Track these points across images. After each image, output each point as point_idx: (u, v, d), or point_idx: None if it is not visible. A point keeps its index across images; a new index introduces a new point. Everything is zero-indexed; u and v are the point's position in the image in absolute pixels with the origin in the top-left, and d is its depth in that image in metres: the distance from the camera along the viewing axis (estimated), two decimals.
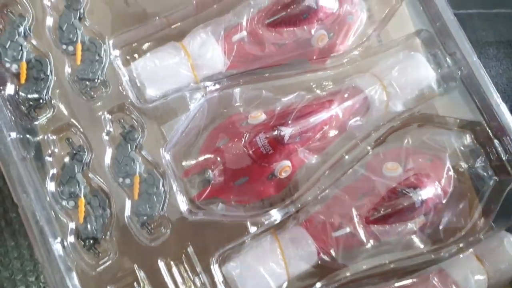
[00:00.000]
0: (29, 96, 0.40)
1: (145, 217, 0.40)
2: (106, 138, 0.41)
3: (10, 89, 0.40)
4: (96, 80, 0.41)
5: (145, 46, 0.44)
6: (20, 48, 0.40)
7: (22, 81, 0.40)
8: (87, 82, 0.41)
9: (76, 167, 0.40)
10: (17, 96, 0.40)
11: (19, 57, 0.40)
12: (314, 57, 0.50)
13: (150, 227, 0.41)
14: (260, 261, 0.42)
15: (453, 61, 0.49)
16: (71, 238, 0.39)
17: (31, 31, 0.41)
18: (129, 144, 0.41)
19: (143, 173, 0.41)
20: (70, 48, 0.42)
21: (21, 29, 0.41)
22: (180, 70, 0.45)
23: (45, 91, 0.40)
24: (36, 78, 0.40)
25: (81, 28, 0.42)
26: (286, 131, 0.44)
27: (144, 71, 0.44)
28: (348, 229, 0.43)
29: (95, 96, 0.42)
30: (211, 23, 0.47)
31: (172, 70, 0.45)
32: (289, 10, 0.47)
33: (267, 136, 0.43)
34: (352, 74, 0.50)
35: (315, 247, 0.43)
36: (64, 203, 0.40)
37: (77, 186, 0.39)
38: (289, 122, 0.44)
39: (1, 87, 0.39)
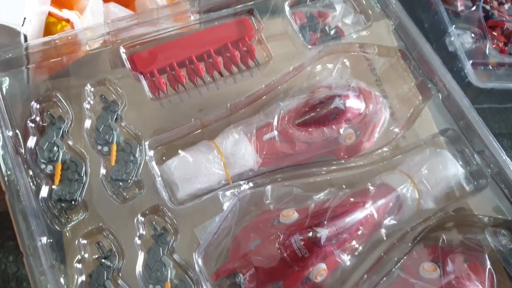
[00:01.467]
0: (62, 198, 0.39)
1: None
2: (139, 242, 0.40)
3: (44, 191, 0.39)
4: (129, 181, 0.41)
5: (179, 146, 0.44)
6: (56, 149, 0.40)
7: (56, 182, 0.40)
8: (121, 183, 0.41)
9: (105, 273, 0.38)
10: (49, 198, 0.39)
11: (55, 158, 0.40)
12: (342, 154, 0.50)
13: None
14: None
15: (482, 159, 0.49)
16: None
17: (69, 132, 0.42)
18: (161, 248, 0.39)
19: (174, 279, 0.39)
20: (106, 148, 0.42)
21: (60, 131, 0.41)
22: (212, 169, 0.45)
23: (78, 192, 0.40)
24: (70, 179, 0.40)
25: (117, 129, 0.43)
26: (323, 233, 0.42)
27: (177, 171, 0.44)
28: None
29: (128, 197, 0.41)
30: (242, 123, 0.48)
31: (204, 169, 0.45)
32: (318, 111, 0.48)
33: (303, 238, 0.42)
34: (381, 171, 0.50)
35: None
36: None
37: None
38: (325, 222, 0.43)
39: (35, 189, 0.38)
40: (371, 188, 0.48)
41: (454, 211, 0.48)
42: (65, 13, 0.49)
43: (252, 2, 0.51)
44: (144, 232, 0.40)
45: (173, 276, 0.39)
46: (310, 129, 0.48)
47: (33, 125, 0.41)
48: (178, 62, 0.48)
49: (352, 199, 0.46)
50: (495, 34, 0.76)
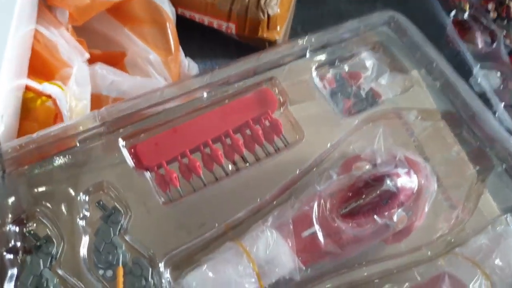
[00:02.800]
0: None
1: None
2: None
3: None
4: None
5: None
6: (45, 283, 0.31)
7: None
8: None
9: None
10: None
11: None
12: (390, 239, 0.42)
13: None
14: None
15: None
16: None
17: (61, 257, 0.33)
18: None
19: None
20: (109, 273, 0.33)
21: (48, 257, 0.32)
22: (244, 283, 0.36)
23: None
24: None
25: (122, 246, 0.34)
26: None
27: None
28: None
29: None
30: (272, 215, 0.39)
31: (234, 285, 0.36)
32: (365, 197, 0.40)
33: None
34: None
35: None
36: None
37: None
38: None
39: None
40: (435, 285, 0.39)
41: None
42: (45, 87, 0.42)
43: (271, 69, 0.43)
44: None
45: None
46: (358, 219, 0.39)
47: (11, 256, 0.32)
48: (191, 149, 0.40)
49: None
50: None
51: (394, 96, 0.46)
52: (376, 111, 0.44)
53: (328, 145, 0.41)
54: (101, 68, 0.48)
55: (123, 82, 0.48)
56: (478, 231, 0.42)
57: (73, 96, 0.45)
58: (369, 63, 0.47)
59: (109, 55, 0.51)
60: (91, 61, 0.48)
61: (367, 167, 0.42)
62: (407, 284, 0.39)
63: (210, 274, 0.36)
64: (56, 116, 0.44)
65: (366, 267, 0.39)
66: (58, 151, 0.36)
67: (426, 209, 0.43)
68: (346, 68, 0.47)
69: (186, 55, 0.54)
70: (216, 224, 0.36)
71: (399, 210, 0.40)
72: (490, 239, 0.42)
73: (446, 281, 0.39)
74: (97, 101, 0.48)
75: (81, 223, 0.34)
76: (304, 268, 0.37)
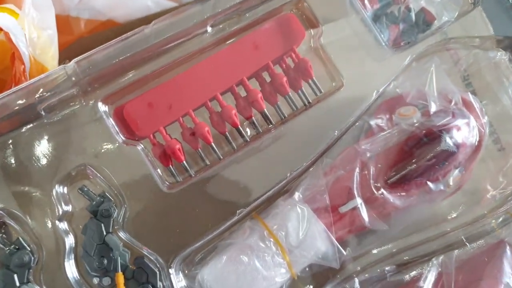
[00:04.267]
0: None
1: None
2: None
3: None
4: None
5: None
6: None
7: None
8: None
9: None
10: None
11: None
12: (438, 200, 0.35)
13: None
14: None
15: None
16: None
17: (42, 271, 0.25)
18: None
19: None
20: (106, 281, 0.26)
21: (25, 273, 0.25)
22: (272, 275, 0.29)
23: None
24: None
25: (119, 245, 0.26)
26: None
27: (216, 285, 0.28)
28: None
29: None
30: (300, 185, 0.32)
31: (261, 279, 0.29)
32: (418, 160, 0.32)
33: None
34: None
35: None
36: None
37: None
38: None
39: None
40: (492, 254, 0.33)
41: None
42: None
43: None
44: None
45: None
46: (409, 188, 0.32)
47: None
48: (196, 108, 0.30)
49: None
50: None
51: (451, 18, 0.35)
52: (435, 42, 0.33)
53: (374, 93, 0.32)
54: None
55: None
56: None
57: (32, 24, 0.34)
58: None
59: None
60: None
61: (416, 114, 0.34)
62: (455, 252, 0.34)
63: (231, 266, 0.29)
64: (13, 55, 0.34)
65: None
66: (13, 125, 0.26)
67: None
68: None
69: None
70: (237, 211, 0.28)
71: (455, 170, 0.34)
72: None
73: (508, 252, 0.33)
74: (65, 26, 0.38)
75: (61, 223, 0.26)
76: (345, 253, 0.31)
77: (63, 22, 0.39)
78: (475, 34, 0.36)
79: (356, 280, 0.31)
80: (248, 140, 0.30)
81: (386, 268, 0.33)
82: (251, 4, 0.30)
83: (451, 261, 0.33)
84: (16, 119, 0.26)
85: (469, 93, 0.35)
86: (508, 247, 0.33)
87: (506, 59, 0.36)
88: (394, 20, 0.34)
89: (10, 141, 0.26)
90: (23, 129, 0.26)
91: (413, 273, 0.33)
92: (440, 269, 0.33)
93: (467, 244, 0.33)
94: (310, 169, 0.31)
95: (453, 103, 0.34)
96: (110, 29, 0.39)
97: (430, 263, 0.33)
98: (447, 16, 0.35)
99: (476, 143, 0.33)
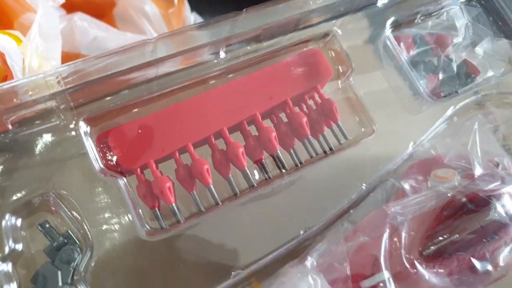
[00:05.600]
0: None
1: None
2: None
3: None
4: None
5: None
6: None
7: None
8: None
9: None
10: None
11: None
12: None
13: None
14: None
15: None
16: None
17: None
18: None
19: None
20: None
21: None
22: None
23: None
24: None
25: None
26: None
27: None
28: None
29: None
30: (314, 249, 0.25)
31: None
32: (461, 230, 0.26)
33: None
34: None
35: None
36: None
37: None
38: None
39: None
40: None
41: None
42: None
43: (322, 18, 0.28)
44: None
45: None
46: (448, 264, 0.25)
47: None
48: (195, 143, 0.25)
49: None
50: None
51: (497, 73, 0.31)
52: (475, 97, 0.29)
53: (411, 145, 0.27)
54: (81, 19, 0.36)
55: (109, 39, 0.37)
56: None
57: (35, 52, 0.31)
58: (461, 22, 0.32)
59: (94, 3, 0.39)
60: (69, 9, 0.36)
61: (456, 177, 0.28)
62: None
63: None
64: (5, 78, 0.31)
65: None
66: None
67: None
68: (428, 27, 0.32)
69: (192, 9, 0.42)
70: (232, 272, 0.22)
71: (506, 248, 0.27)
72: None
73: None
74: None
75: (4, 263, 0.20)
76: None
77: (72, 59, 0.38)
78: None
79: None
80: (255, 185, 0.24)
81: None
82: (275, 32, 0.27)
83: None
84: None
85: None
86: None
87: None
88: (433, 69, 0.30)
89: None
90: None
91: None
92: None
93: None
94: (328, 231, 0.26)
95: (500, 167, 0.29)
96: None
97: None
98: (492, 71, 0.31)
99: None
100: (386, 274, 0.25)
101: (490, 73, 0.31)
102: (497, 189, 0.27)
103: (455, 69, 0.30)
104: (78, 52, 0.37)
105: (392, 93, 0.28)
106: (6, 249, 0.20)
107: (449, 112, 0.28)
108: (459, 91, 0.29)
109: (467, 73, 0.31)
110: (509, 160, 0.29)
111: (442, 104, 0.29)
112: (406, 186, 0.28)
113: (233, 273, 0.22)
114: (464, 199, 0.27)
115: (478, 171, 0.28)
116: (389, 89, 0.28)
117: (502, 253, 0.26)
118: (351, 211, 0.26)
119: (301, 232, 0.23)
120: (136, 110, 0.24)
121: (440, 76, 0.30)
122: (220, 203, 0.24)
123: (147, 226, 0.22)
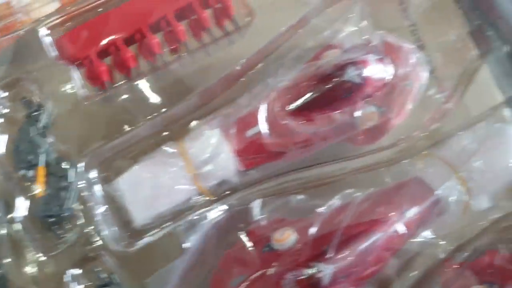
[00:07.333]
0: None
1: None
2: None
3: None
4: (62, 215, 0.31)
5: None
6: None
7: None
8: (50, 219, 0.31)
9: None
10: None
11: None
12: (361, 140, 0.36)
13: None
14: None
15: None
16: None
17: None
18: None
19: None
20: (30, 173, 0.32)
21: None
22: (178, 184, 0.34)
23: None
24: None
25: (45, 145, 0.32)
26: (326, 271, 0.31)
27: (128, 192, 0.33)
28: None
29: (60, 244, 0.31)
30: (217, 116, 0.36)
31: (167, 186, 0.34)
32: (319, 90, 0.34)
33: (298, 278, 0.31)
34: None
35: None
36: None
37: None
38: (330, 253, 0.31)
39: None
40: (399, 190, 0.35)
41: None
42: None
43: None
44: None
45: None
46: (311, 116, 0.34)
47: None
48: (125, 38, 0.35)
49: (371, 211, 0.34)
50: None
51: None
52: None
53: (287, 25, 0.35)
54: None
55: None
56: (463, 128, 0.36)
57: None
58: None
59: None
60: None
61: (336, 55, 0.36)
62: (372, 189, 0.35)
63: (143, 176, 0.34)
64: None
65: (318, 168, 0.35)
66: None
67: (411, 106, 0.37)
68: None
69: None
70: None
71: (366, 105, 0.35)
72: (476, 137, 0.36)
73: (411, 187, 0.35)
74: None
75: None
76: (245, 169, 0.34)
77: None
78: None
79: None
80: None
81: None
82: None
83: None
84: None
85: (395, 36, 0.36)
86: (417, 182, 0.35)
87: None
88: None
89: None
90: None
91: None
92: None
93: None
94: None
95: (372, 43, 0.36)
96: None
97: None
98: None
99: (391, 80, 0.34)
100: (262, 126, 0.34)
101: None
102: (357, 58, 0.34)
103: None
104: None
105: None
106: None
107: None
108: None
109: None
110: (381, 37, 0.35)
111: None
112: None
113: None
114: (330, 68, 0.34)
115: (349, 46, 0.35)
116: None
117: (363, 110, 0.34)
118: None
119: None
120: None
121: None
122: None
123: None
